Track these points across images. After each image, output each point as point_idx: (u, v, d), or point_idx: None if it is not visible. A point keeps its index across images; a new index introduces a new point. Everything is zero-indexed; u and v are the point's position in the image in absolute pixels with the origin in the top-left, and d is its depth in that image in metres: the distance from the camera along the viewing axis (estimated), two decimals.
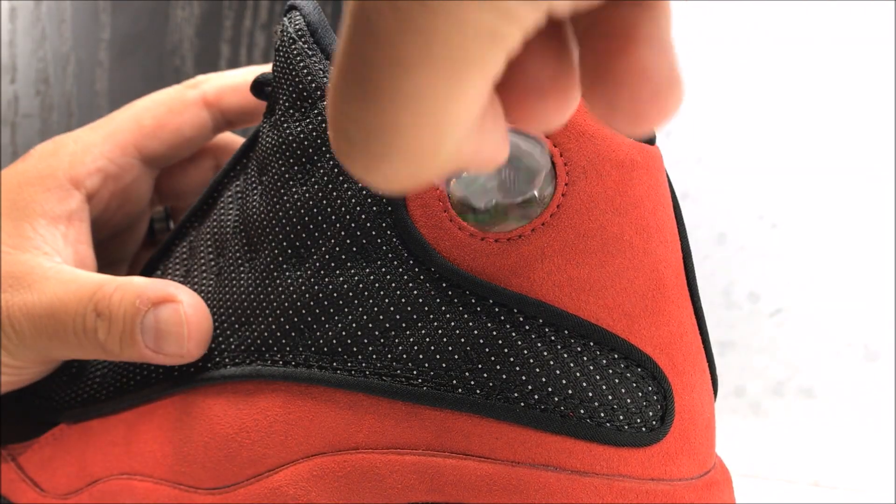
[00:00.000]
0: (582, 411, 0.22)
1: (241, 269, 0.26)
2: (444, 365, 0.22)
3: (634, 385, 0.22)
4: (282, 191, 0.25)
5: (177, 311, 0.26)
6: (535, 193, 0.22)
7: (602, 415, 0.22)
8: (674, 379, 0.22)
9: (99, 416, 0.28)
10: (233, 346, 0.26)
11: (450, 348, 0.22)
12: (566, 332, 0.22)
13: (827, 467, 0.43)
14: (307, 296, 0.24)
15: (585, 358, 0.22)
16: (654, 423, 0.22)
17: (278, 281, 0.25)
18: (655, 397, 0.22)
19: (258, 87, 0.28)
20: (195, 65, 0.47)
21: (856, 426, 0.42)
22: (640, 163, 0.23)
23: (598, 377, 0.22)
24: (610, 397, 0.22)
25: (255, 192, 0.26)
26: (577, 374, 0.22)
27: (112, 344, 0.26)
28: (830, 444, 0.43)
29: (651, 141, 0.24)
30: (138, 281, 0.26)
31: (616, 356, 0.22)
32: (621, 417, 0.22)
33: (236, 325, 0.26)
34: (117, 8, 0.44)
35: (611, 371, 0.22)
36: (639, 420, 0.22)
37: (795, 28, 0.46)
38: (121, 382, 0.28)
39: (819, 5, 0.45)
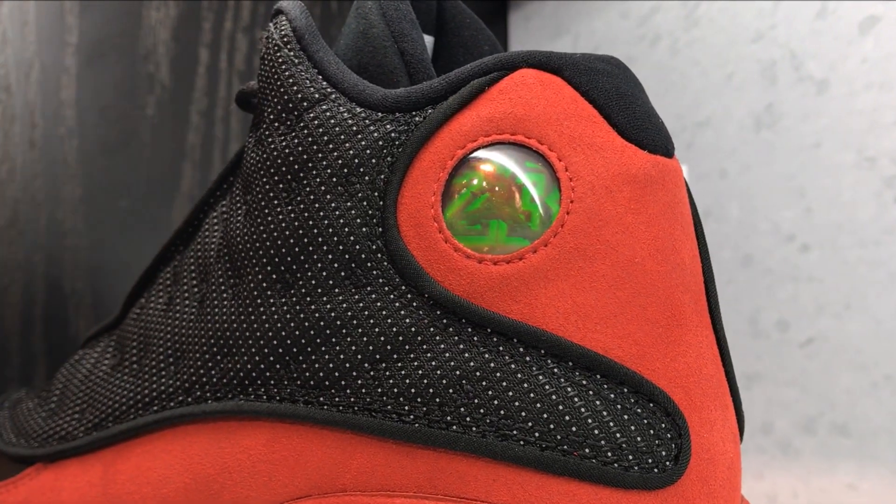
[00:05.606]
0: (587, 450, 0.21)
1: (224, 296, 0.26)
2: (437, 400, 0.22)
3: (646, 422, 0.21)
4: (266, 210, 0.25)
5: None
6: (541, 211, 0.22)
7: (609, 454, 0.21)
8: (690, 415, 0.22)
9: (76, 455, 0.28)
10: (214, 380, 0.25)
11: (444, 382, 0.22)
12: (570, 363, 0.21)
13: None
14: (292, 325, 0.24)
15: (591, 392, 0.21)
16: (667, 463, 0.21)
17: (262, 309, 0.24)
18: (669, 435, 0.21)
19: (243, 98, 0.27)
20: (171, 71, 0.47)
21: (894, 466, 0.41)
22: (655, 177, 0.22)
23: (605, 413, 0.21)
24: (618, 435, 0.21)
25: (240, 212, 0.26)
26: (582, 410, 0.21)
27: None
28: (866, 486, 0.42)
29: (669, 153, 0.23)
30: None
31: (625, 390, 0.21)
32: (630, 457, 0.21)
33: (218, 357, 0.25)
34: (85, 9, 0.44)
35: (619, 406, 0.21)
36: (650, 460, 0.21)
37: (829, 30, 0.45)
38: (99, 418, 0.28)
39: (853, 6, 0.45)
